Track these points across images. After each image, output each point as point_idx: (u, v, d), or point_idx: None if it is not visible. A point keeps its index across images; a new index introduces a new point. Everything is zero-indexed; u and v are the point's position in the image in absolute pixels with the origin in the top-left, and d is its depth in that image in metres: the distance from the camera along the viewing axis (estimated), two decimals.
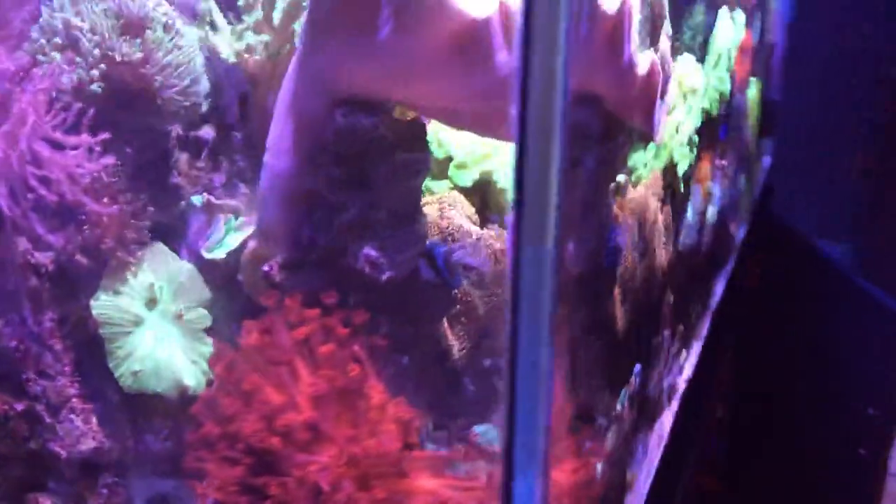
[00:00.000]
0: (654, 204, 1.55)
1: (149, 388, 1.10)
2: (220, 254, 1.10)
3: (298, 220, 1.01)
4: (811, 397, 2.84)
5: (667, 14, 1.18)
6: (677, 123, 1.67)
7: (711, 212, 2.08)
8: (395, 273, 1.06)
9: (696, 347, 2.15)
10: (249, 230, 1.08)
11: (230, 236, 1.11)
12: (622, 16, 0.97)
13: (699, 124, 1.85)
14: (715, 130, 2.05)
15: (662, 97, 1.14)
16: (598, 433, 1.38)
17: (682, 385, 1.95)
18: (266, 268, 1.06)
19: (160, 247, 1.13)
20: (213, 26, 1.09)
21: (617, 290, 1.40)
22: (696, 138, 1.84)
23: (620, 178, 1.44)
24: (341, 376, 0.95)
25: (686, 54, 1.79)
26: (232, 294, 1.12)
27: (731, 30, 2.02)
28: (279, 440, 0.86)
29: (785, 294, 3.04)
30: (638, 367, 1.55)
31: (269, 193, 1.03)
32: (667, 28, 1.16)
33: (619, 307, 1.42)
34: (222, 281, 1.11)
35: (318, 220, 1.01)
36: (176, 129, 1.10)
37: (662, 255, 1.61)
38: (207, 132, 1.14)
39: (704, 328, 2.24)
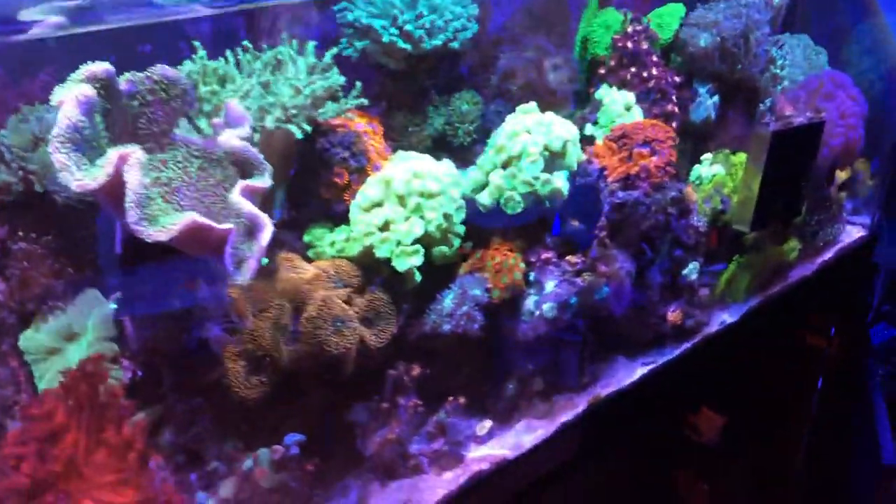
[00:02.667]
0: (326, 292, 1.95)
1: None
2: None
3: None
4: None
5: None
6: (385, 219, 2.01)
7: (535, 301, 2.27)
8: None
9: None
10: None
11: None
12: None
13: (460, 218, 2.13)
14: (516, 225, 2.26)
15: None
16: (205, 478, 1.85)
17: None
18: None
19: (94, 292, 1.88)
20: None
21: (236, 364, 1.86)
22: (459, 229, 2.13)
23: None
24: None
25: (414, 153, 2.09)
26: None
27: (548, 124, 2.21)
28: None
29: None
30: (296, 436, 1.94)
31: None
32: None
33: (245, 376, 1.87)
34: None
35: None
36: None
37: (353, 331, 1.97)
38: None
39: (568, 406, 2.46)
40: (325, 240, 2.09)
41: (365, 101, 2.05)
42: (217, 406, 1.89)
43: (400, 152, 2.15)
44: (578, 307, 2.42)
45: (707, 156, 2.73)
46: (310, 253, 2.08)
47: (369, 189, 2.05)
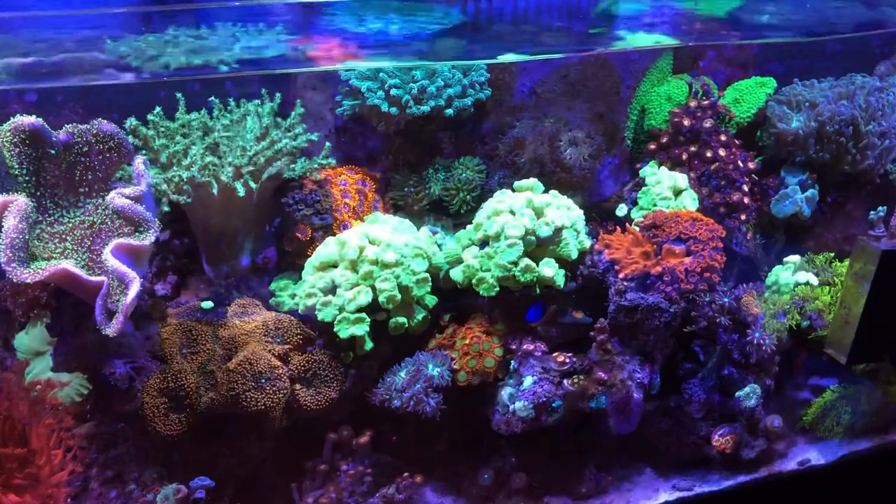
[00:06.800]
0: (257, 346, 2.00)
1: None
2: None
3: None
4: None
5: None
6: (333, 282, 1.99)
7: (510, 394, 2.09)
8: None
9: None
10: None
11: None
12: None
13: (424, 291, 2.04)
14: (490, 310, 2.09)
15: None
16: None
17: None
18: None
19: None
20: None
21: (156, 400, 1.98)
22: (428, 300, 2.04)
23: None
24: None
25: (390, 217, 2.02)
26: None
27: (540, 206, 1.99)
28: None
29: None
30: (203, 480, 2.02)
31: None
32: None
33: (165, 412, 1.99)
34: None
35: None
36: None
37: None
38: None
39: None
40: (288, 291, 2.10)
41: (332, 161, 2.01)
42: (142, 434, 2.00)
43: (376, 213, 2.10)
44: (567, 413, 2.14)
45: (792, 258, 2.23)
46: (271, 301, 2.11)
47: (324, 249, 2.03)
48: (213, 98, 2.02)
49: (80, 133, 1.84)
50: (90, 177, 1.87)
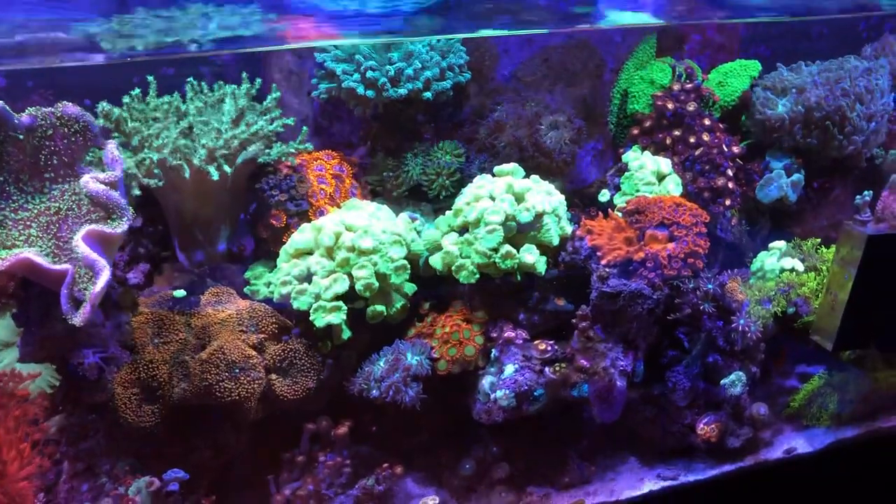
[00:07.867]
0: (231, 335, 1.94)
1: None
2: None
3: None
4: None
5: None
6: (309, 269, 1.93)
7: (491, 383, 2.05)
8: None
9: None
10: None
11: None
12: None
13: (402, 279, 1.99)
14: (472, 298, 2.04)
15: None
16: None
17: None
18: None
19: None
20: None
21: (127, 391, 1.92)
22: (407, 288, 1.99)
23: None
24: None
25: (367, 203, 1.97)
26: None
27: (520, 192, 1.94)
28: None
29: None
30: (177, 472, 1.96)
31: None
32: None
33: (137, 404, 1.93)
34: None
35: None
36: None
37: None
38: None
39: None
40: (263, 279, 2.05)
41: (309, 146, 1.95)
42: (114, 425, 1.94)
43: (353, 199, 2.04)
44: (549, 402, 2.10)
45: (778, 244, 2.19)
46: (246, 290, 2.05)
47: (299, 235, 1.98)
48: (189, 79, 1.96)
49: (44, 116, 1.78)
50: (56, 161, 1.81)
